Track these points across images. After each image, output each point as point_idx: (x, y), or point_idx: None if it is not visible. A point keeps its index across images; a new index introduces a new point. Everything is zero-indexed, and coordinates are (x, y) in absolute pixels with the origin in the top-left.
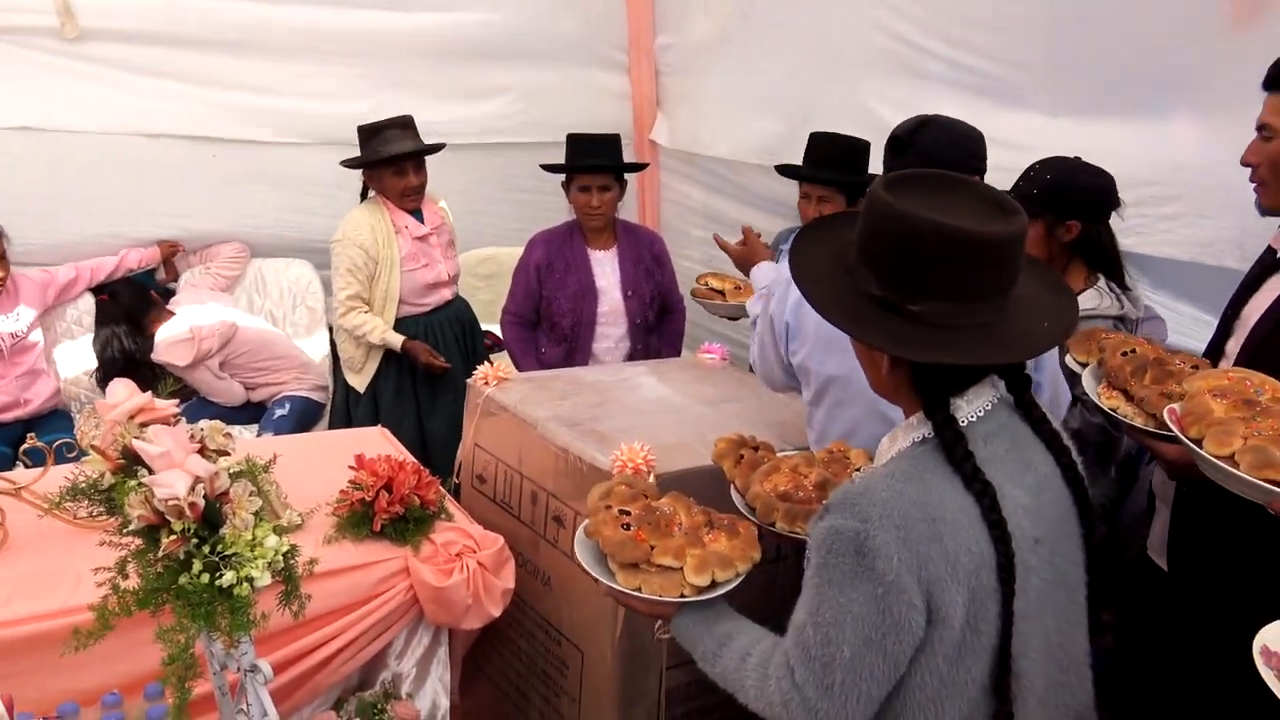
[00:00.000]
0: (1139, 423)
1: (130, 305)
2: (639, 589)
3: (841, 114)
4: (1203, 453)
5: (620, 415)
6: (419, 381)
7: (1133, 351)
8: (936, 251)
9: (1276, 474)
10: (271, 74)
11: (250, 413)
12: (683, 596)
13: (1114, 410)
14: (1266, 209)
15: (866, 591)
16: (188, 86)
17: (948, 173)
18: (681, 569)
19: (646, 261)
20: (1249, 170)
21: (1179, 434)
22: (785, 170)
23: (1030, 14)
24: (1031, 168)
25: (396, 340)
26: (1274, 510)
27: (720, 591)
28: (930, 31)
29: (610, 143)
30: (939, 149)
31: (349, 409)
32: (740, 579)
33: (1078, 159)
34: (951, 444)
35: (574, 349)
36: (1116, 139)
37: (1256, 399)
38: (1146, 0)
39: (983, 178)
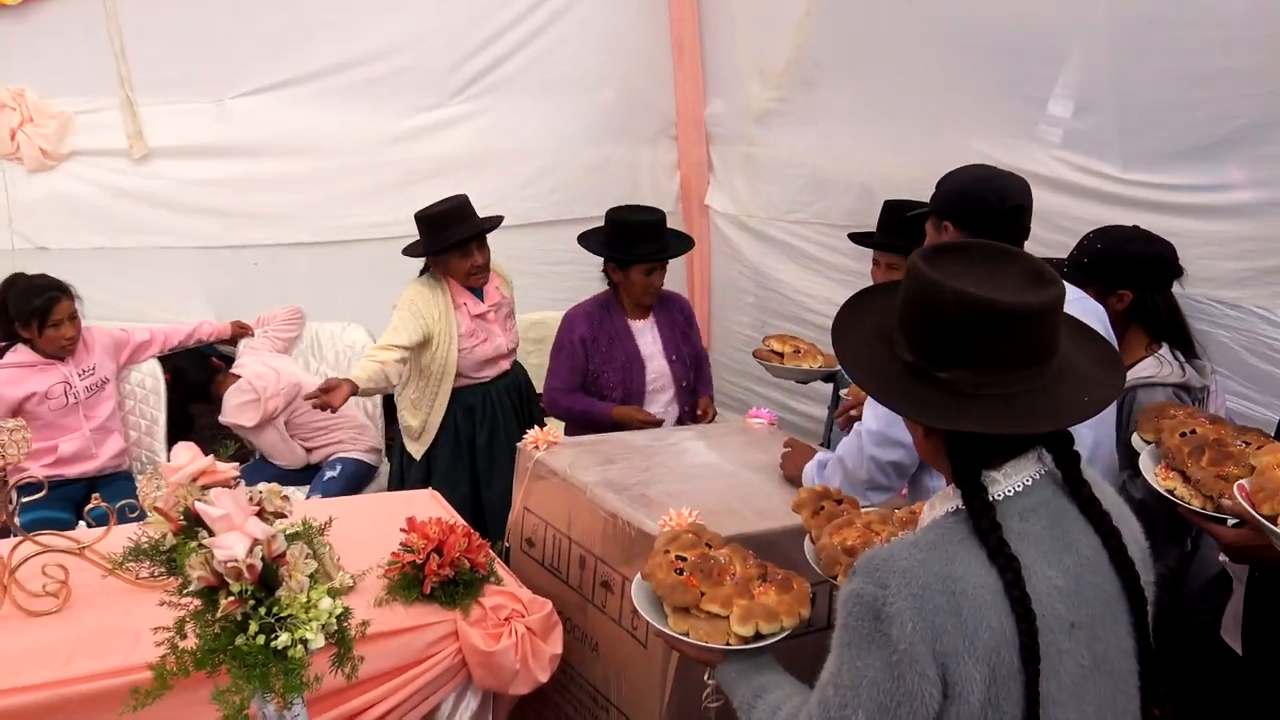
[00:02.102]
0: (1195, 505)
1: (196, 377)
2: (686, 633)
3: (917, 183)
4: (1278, 530)
5: (668, 480)
6: (477, 451)
7: (1193, 432)
8: (961, 319)
9: None
10: (318, 177)
11: (306, 474)
12: (728, 645)
13: (1171, 492)
14: None
15: (881, 658)
16: (237, 196)
17: (994, 243)
18: (728, 617)
19: (681, 324)
20: None
21: (1250, 510)
22: (857, 238)
23: (1097, 75)
24: (1086, 236)
25: (352, 374)
26: None
27: (765, 644)
28: (1008, 93)
29: (661, 223)
30: (959, 189)
31: (404, 475)
32: (786, 633)
33: (1135, 228)
34: (978, 516)
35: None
36: (1194, 196)
37: None
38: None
39: (1019, 216)
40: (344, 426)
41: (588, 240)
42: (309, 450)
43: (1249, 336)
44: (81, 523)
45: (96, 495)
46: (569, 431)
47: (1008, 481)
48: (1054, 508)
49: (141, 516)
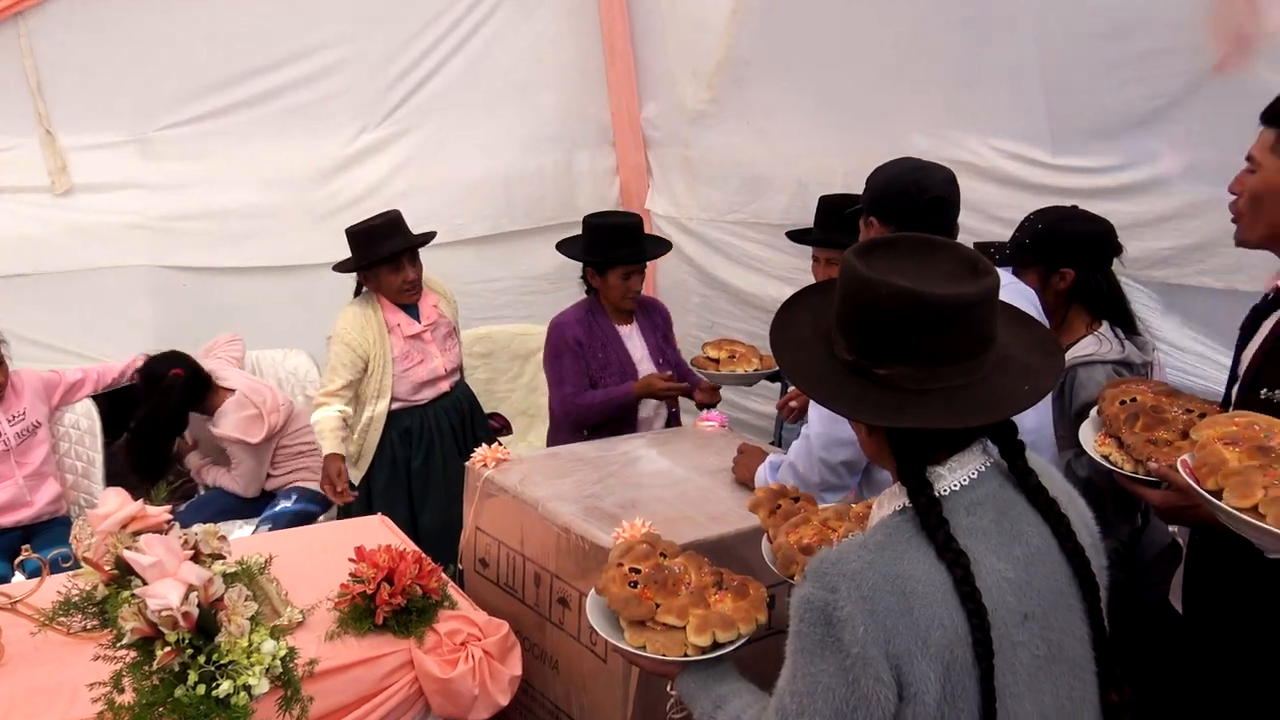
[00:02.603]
0: (1127, 469)
1: (195, 384)
2: (643, 647)
3: (851, 177)
4: (1225, 506)
5: (621, 490)
6: (412, 475)
7: (1133, 400)
8: (896, 315)
9: None
10: (247, 206)
11: (258, 505)
12: (686, 656)
13: (1106, 458)
14: (1242, 241)
15: (835, 663)
16: (165, 226)
17: (927, 236)
18: (684, 628)
19: (662, 328)
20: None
21: (1196, 487)
22: (795, 236)
23: (1023, 61)
24: (1028, 217)
25: (327, 449)
26: None
27: (723, 652)
28: (938, 83)
29: (637, 226)
30: (884, 183)
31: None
32: (744, 640)
33: (1074, 207)
34: (925, 512)
35: (621, 422)
36: (1122, 177)
37: (1268, 444)
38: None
39: (939, 207)
40: (313, 452)
41: (566, 246)
42: (270, 476)
43: (1179, 314)
44: (15, 574)
45: (27, 546)
46: (582, 436)
47: (953, 476)
48: (1001, 499)
49: (76, 566)
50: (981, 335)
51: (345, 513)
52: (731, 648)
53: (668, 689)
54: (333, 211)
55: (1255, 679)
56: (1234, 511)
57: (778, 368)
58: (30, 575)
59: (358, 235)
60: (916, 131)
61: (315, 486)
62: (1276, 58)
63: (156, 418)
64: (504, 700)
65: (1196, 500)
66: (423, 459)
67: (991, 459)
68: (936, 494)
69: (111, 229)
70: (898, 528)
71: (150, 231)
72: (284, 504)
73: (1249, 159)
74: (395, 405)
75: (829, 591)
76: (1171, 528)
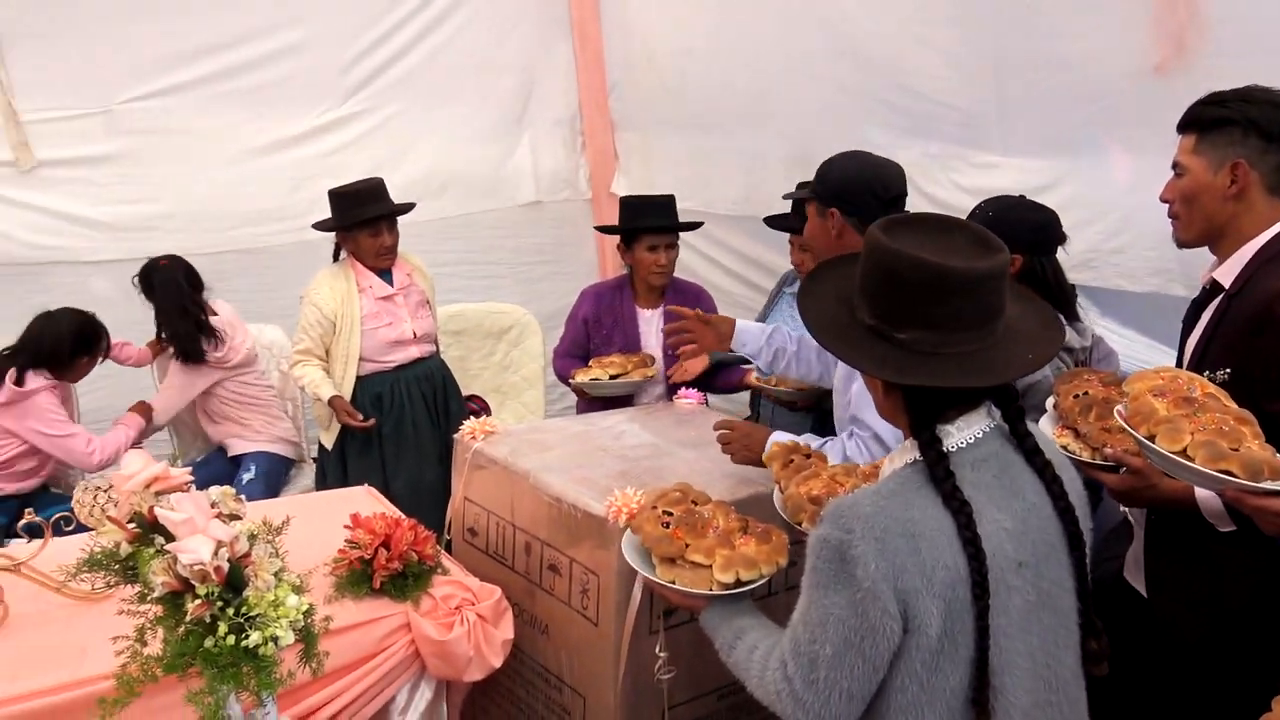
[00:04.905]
0: (1086, 457)
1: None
2: (673, 581)
3: (801, 166)
4: (1157, 448)
5: (609, 462)
6: (384, 441)
7: (1085, 394)
8: (918, 284)
9: (1228, 465)
10: (212, 183)
11: (217, 475)
12: (712, 591)
13: (1065, 448)
14: (1182, 242)
15: (847, 596)
16: (128, 204)
17: (943, 215)
18: (711, 566)
19: None
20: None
21: (1131, 431)
22: (773, 222)
23: (978, 61)
24: (978, 205)
25: (326, 395)
26: (1226, 496)
27: (745, 589)
28: (873, 80)
29: (669, 203)
30: (846, 179)
31: (324, 467)
32: (765, 580)
33: (1021, 197)
34: (934, 464)
35: (613, 405)
36: (1062, 176)
37: (1191, 396)
38: (1086, 47)
39: (899, 204)
40: (258, 407)
41: (603, 225)
42: (215, 425)
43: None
44: (9, 539)
45: (30, 510)
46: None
47: (960, 434)
48: (1003, 458)
49: (79, 529)
50: (992, 306)
51: (323, 477)
52: (753, 585)
53: (657, 650)
54: (292, 190)
55: (1216, 653)
56: (1166, 453)
57: (636, 378)
58: (31, 539)
59: (341, 197)
60: (869, 128)
61: (269, 447)
62: (1216, 59)
63: (170, 302)
64: (497, 662)
65: (1150, 481)
66: (394, 425)
67: (994, 421)
68: (945, 449)
69: (76, 208)
70: (908, 478)
71: (117, 209)
72: (247, 476)
73: (1175, 165)
74: (366, 368)
75: (845, 532)
76: (1123, 508)
